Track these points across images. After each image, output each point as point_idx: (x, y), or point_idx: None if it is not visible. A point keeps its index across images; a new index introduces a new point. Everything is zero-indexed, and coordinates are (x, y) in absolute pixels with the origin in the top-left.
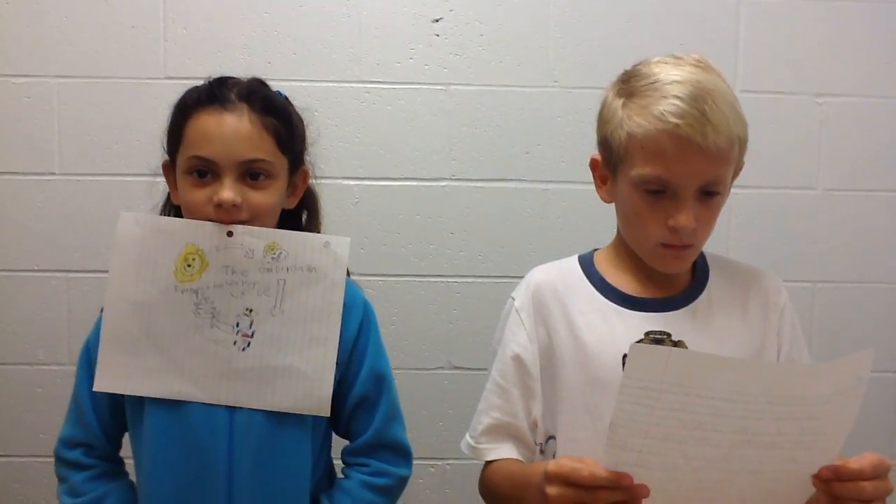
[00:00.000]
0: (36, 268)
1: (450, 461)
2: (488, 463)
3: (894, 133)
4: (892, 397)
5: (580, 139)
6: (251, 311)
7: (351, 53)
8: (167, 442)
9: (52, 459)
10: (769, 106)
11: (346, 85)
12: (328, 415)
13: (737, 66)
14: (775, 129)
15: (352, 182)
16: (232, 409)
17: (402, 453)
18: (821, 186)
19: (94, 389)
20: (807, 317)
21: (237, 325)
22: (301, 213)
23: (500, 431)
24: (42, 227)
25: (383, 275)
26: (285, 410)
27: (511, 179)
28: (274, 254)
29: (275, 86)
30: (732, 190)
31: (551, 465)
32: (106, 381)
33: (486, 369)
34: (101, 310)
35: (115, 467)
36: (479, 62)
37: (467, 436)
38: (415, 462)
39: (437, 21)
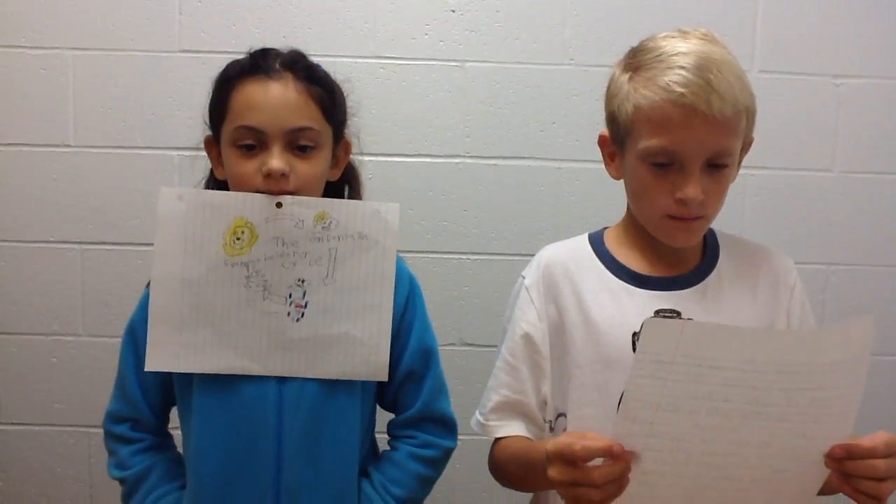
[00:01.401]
0: (51, 239)
1: (461, 437)
2: (497, 440)
3: None
4: None
5: (595, 118)
6: (303, 281)
7: (366, 29)
8: (215, 416)
9: (67, 428)
10: (786, 87)
11: (361, 60)
12: (386, 379)
13: (754, 46)
14: (792, 110)
15: (366, 158)
16: (282, 382)
17: (448, 426)
18: (837, 168)
19: (146, 370)
20: (820, 299)
21: (290, 296)
22: (343, 187)
23: (509, 409)
24: (57, 198)
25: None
26: (343, 378)
27: (525, 157)
28: (324, 223)
29: None
30: (748, 170)
31: (549, 445)
32: (158, 361)
33: (497, 346)
34: (147, 287)
35: (161, 440)
36: (495, 39)
37: (477, 412)
38: None
39: None
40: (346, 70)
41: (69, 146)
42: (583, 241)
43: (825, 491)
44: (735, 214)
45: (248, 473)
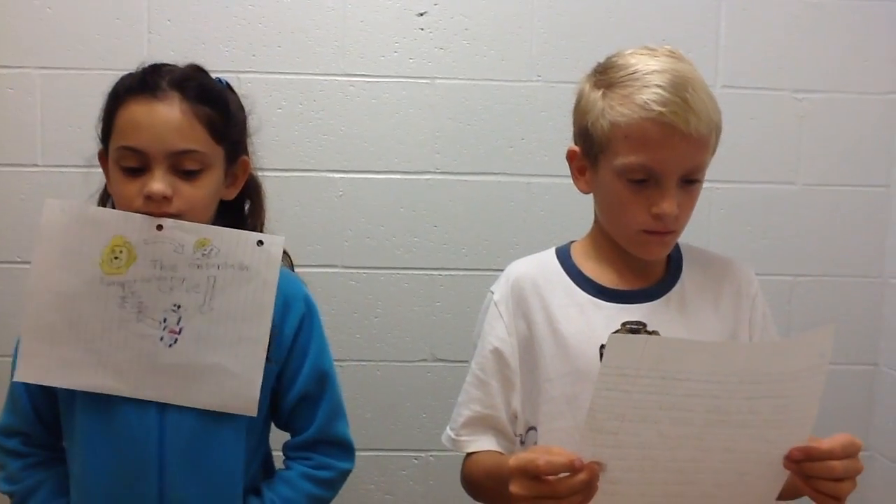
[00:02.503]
0: (18, 259)
1: (433, 453)
2: (469, 455)
3: (872, 128)
4: (867, 390)
5: (563, 133)
6: (179, 307)
7: (336, 46)
8: (98, 439)
9: None
10: (749, 102)
11: (331, 78)
12: (255, 415)
13: (717, 62)
14: (755, 124)
15: (336, 175)
16: (163, 407)
17: (344, 448)
18: (800, 181)
19: (14, 380)
20: (785, 310)
21: (164, 320)
22: (243, 204)
23: (480, 423)
24: (24, 218)
25: (367, 267)
26: (212, 409)
27: (495, 173)
28: (205, 250)
29: (260, 78)
30: (713, 184)
31: (512, 461)
32: (28, 372)
33: (468, 362)
34: None
35: (52, 454)
36: (464, 56)
37: (448, 428)
38: (399, 454)
39: (421, 15)
40: (315, 87)
41: (37, 166)
42: (550, 256)
43: (790, 495)
44: (701, 227)
45: (133, 495)
